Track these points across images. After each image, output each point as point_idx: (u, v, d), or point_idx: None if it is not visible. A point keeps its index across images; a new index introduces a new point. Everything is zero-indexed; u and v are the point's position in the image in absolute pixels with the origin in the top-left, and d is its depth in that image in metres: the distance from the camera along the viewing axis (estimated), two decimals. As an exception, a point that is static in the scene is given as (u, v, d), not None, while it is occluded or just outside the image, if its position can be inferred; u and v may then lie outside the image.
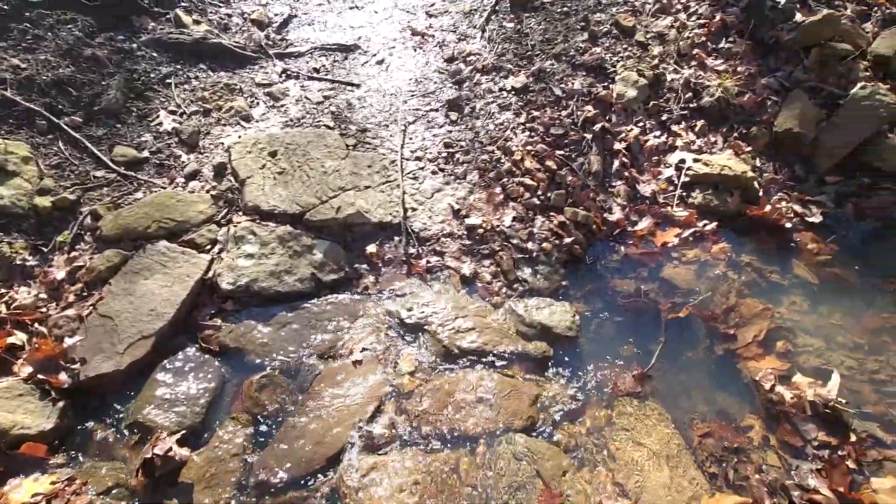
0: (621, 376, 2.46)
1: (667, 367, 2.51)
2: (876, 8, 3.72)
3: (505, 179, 3.25)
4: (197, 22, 4.05)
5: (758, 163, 3.23)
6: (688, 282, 2.86)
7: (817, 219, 2.98)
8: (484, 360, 2.53)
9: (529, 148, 3.36)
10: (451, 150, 3.44)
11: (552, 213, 3.13)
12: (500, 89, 3.75)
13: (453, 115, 3.64)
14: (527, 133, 3.45)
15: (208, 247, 2.83)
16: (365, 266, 2.94)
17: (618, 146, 3.36)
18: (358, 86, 3.91)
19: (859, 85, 3.16)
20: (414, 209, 3.16)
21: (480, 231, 3.02)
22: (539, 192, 3.18)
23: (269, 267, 2.77)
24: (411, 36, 4.32)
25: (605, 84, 3.58)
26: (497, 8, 4.31)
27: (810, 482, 1.97)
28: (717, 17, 3.60)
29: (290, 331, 2.62)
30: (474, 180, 3.29)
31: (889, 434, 2.13)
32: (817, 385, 2.22)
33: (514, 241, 2.99)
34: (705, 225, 3.04)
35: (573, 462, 2.16)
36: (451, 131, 3.55)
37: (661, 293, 2.82)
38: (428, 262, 2.95)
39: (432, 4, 4.60)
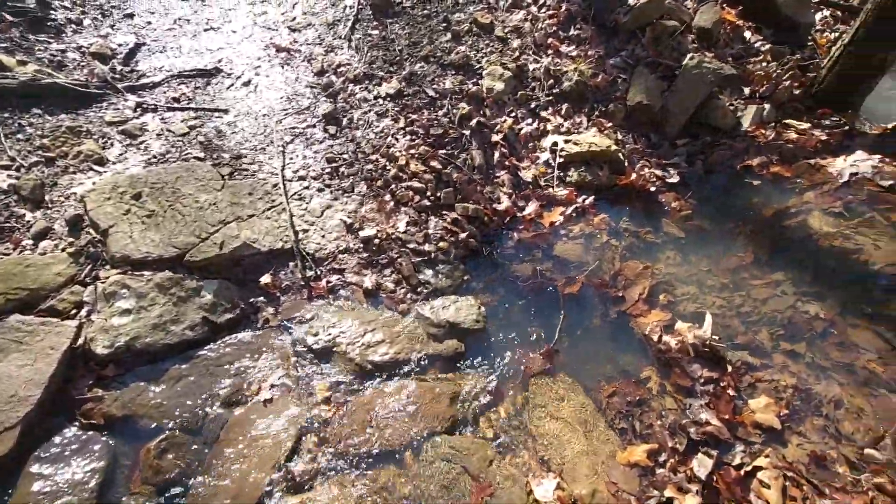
0: (531, 357, 2.57)
1: (570, 338, 2.66)
2: (693, -13, 4.21)
3: (393, 186, 3.25)
4: (23, 63, 3.59)
5: (619, 136, 3.54)
6: (578, 255, 3.05)
7: (675, 179, 3.33)
8: (399, 370, 2.51)
9: (413, 151, 3.39)
10: (334, 164, 3.37)
11: (444, 212, 3.19)
12: (376, 97, 3.74)
13: (332, 129, 3.57)
14: (408, 137, 3.48)
15: (74, 311, 2.52)
16: (262, 298, 2.80)
17: (495, 138, 3.50)
18: (226, 111, 3.70)
19: (689, 56, 3.57)
20: (305, 230, 3.05)
21: (377, 241, 3.00)
22: (428, 194, 3.22)
23: (152, 320, 2.53)
24: (276, 53, 4.16)
25: (475, 80, 3.72)
26: (360, 16, 4.29)
27: (702, 416, 2.20)
28: (563, 7, 3.88)
29: (187, 384, 2.41)
30: (363, 191, 3.25)
31: (757, 358, 2.43)
32: (695, 328, 2.48)
33: (412, 246, 3.01)
34: (584, 200, 3.28)
35: (498, 450, 2.22)
36: (332, 145, 3.48)
37: (556, 270, 2.98)
38: (328, 282, 2.87)
39: (293, 19, 4.47)
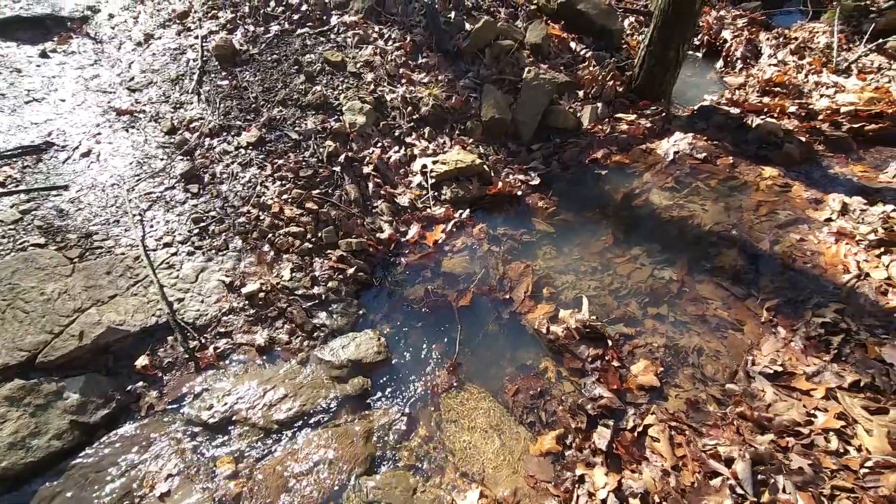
0: (437, 375, 2.63)
1: (471, 348, 2.76)
2: (521, 8, 4.68)
3: (270, 235, 3.16)
4: None
5: (481, 150, 3.79)
6: (465, 267, 3.19)
7: (536, 181, 3.63)
8: (307, 421, 2.43)
9: (285, 196, 3.33)
10: (202, 223, 3.19)
11: (328, 251, 3.16)
12: (237, 148, 3.62)
13: (194, 188, 3.38)
14: (278, 183, 3.41)
15: None
16: (141, 383, 2.55)
17: (367, 170, 3.56)
18: (65, 187, 3.34)
19: (527, 70, 3.94)
20: (181, 299, 2.85)
21: (262, 295, 2.89)
22: (309, 236, 3.18)
23: (6, 440, 2.19)
24: (118, 116, 3.86)
25: (336, 117, 3.76)
26: (206, 69, 4.14)
27: (596, 391, 2.40)
28: (408, 39, 4.09)
29: (63, 501, 2.12)
30: (239, 246, 3.12)
31: (632, 327, 2.71)
32: (576, 313, 2.71)
33: (300, 292, 2.94)
34: (461, 214, 3.44)
35: (420, 477, 2.23)
36: (196, 205, 3.30)
37: (447, 285, 3.09)
38: (216, 348, 2.70)
39: (132, 79, 4.19)
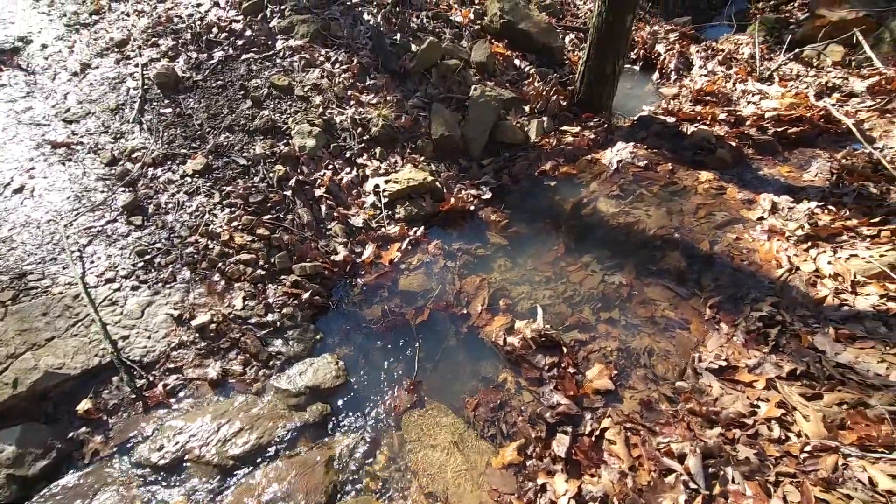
0: (397, 395, 2.61)
1: (431, 365, 2.76)
2: (465, 28, 4.80)
3: (221, 264, 3.08)
4: None
5: (433, 167, 3.84)
6: (421, 284, 3.20)
7: (488, 195, 3.70)
8: (265, 454, 2.35)
9: (235, 224, 3.26)
10: (147, 256, 3.08)
11: (282, 277, 3.11)
12: (182, 176, 3.53)
13: (137, 220, 3.27)
14: (227, 210, 3.34)
15: None
16: (85, 429, 2.41)
17: (319, 192, 3.54)
18: (-4, 226, 3.17)
19: (473, 88, 4.04)
20: (125, 337, 2.73)
21: (213, 326, 2.80)
22: (261, 263, 3.12)
23: (-70, 503, 2.03)
24: (53, 150, 3.70)
25: (285, 141, 3.73)
26: (147, 97, 4.03)
27: (554, 399, 2.44)
28: (355, 62, 4.13)
29: (-3, 565, 1.97)
30: (187, 278, 3.02)
31: (586, 333, 2.78)
32: (531, 323, 2.76)
33: (254, 321, 2.87)
34: (416, 231, 3.46)
35: (384, 501, 2.19)
36: (140, 237, 3.19)
37: (405, 304, 3.09)
38: (165, 385, 2.59)
39: (68, 110, 4.03)
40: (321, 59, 4.22)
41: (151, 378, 2.61)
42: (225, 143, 3.69)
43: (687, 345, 2.63)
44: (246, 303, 2.94)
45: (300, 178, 3.54)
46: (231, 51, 4.27)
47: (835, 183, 3.27)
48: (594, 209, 3.58)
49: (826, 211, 3.08)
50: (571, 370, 2.57)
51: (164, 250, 3.13)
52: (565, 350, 2.64)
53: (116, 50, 4.35)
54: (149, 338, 2.75)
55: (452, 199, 3.60)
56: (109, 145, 3.73)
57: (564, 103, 4.35)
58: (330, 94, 3.99)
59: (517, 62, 4.74)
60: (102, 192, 3.44)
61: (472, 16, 4.97)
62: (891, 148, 3.54)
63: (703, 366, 2.45)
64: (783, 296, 2.70)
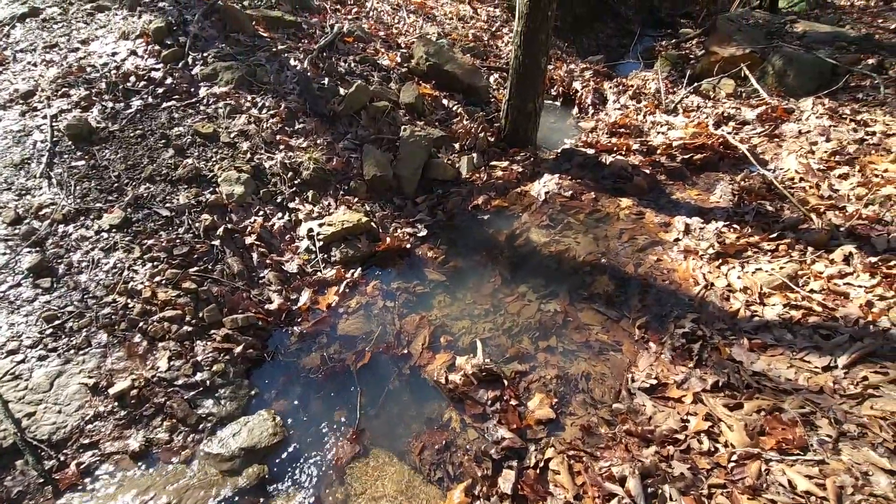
0: (340, 446, 2.51)
1: (374, 411, 2.69)
2: (392, 71, 4.93)
3: (142, 323, 2.89)
4: None
5: (367, 207, 3.84)
6: (361, 328, 3.15)
7: (424, 232, 3.74)
8: (195, 529, 2.18)
9: (158, 278, 3.09)
10: (57, 322, 2.84)
11: (212, 332, 2.96)
12: (98, 232, 3.32)
13: (45, 282, 3.01)
14: (149, 265, 3.16)
15: None
16: (-19, 526, 2.13)
17: (249, 240, 3.44)
18: None
19: (403, 128, 4.13)
20: (31, 413, 2.47)
21: (134, 393, 2.60)
22: (188, 318, 2.96)
23: None
24: (-55, 211, 3.38)
25: (212, 189, 3.62)
26: (57, 150, 3.80)
27: (498, 434, 2.44)
28: (283, 107, 4.12)
29: None
30: (104, 341, 2.80)
31: (526, 363, 2.83)
32: (472, 358, 2.78)
33: (181, 382, 2.69)
34: (353, 274, 3.43)
35: (327, 562, 2.08)
36: (49, 301, 2.94)
37: (345, 349, 3.02)
38: (79, 464, 2.35)
39: (-37, 166, 3.72)
40: (247, 104, 4.17)
41: (62, 457, 2.36)
42: (145, 195, 3.52)
43: (620, 366, 2.74)
44: (172, 363, 2.75)
45: (229, 226, 3.43)
46: (151, 99, 4.13)
47: (737, 203, 3.59)
48: (527, 239, 3.71)
49: (732, 229, 3.36)
50: (514, 402, 2.59)
51: (76, 313, 2.89)
52: (507, 383, 2.67)
53: (22, 102, 4.09)
54: (59, 412, 2.50)
55: (388, 239, 3.60)
56: (13, 203, 3.46)
57: (492, 139, 4.54)
58: (258, 140, 3.94)
59: (445, 102, 4.92)
60: (5, 254, 3.16)
61: (399, 59, 5.13)
62: (781, 169, 3.95)
63: (636, 386, 2.55)
64: (702, 311, 2.89)
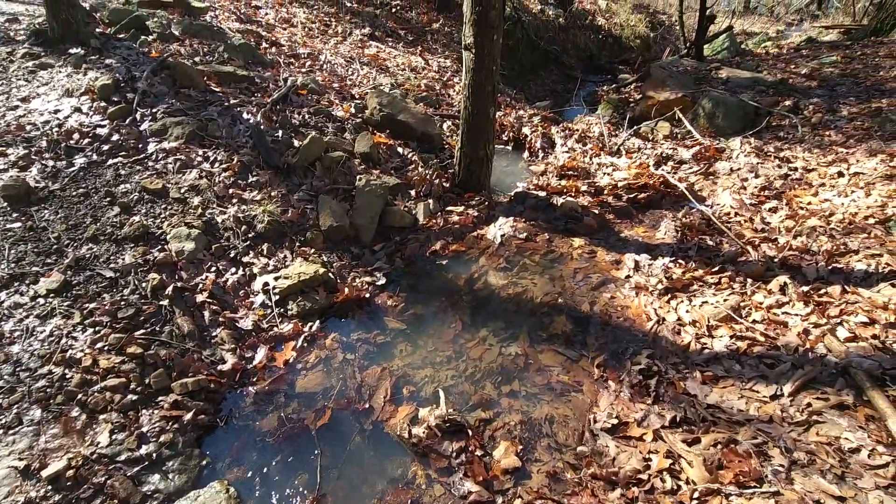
0: (299, 515, 2.38)
1: (335, 472, 2.58)
2: (347, 121, 5.01)
3: (81, 395, 2.69)
4: None
5: (325, 258, 3.81)
6: (320, 383, 3.05)
7: (383, 280, 3.73)
8: None
9: (100, 345, 2.92)
10: (-16, 399, 2.61)
11: (159, 399, 2.79)
12: (34, 298, 3.12)
13: (-29, 356, 2.79)
14: (90, 331, 2.98)
15: None
16: None
17: (201, 298, 3.32)
18: None
19: (358, 178, 4.17)
20: (-50, 507, 2.23)
21: (71, 473, 2.39)
22: (133, 386, 2.79)
23: None
24: None
25: (160, 247, 3.50)
26: (-10, 211, 3.61)
27: (464, 487, 2.38)
28: (236, 160, 4.09)
29: None
30: (37, 418, 2.59)
31: (490, 411, 2.81)
32: (435, 409, 2.73)
33: (124, 457, 2.50)
34: (311, 327, 3.35)
35: None
36: (-25, 377, 2.71)
37: (303, 407, 2.91)
38: (4, 561, 2.12)
39: None
40: (199, 159, 4.12)
41: (-16, 555, 2.13)
42: (88, 256, 3.37)
43: (582, 407, 2.76)
44: (114, 437, 2.57)
45: (178, 284, 3.31)
46: (95, 156, 4.02)
47: (680, 239, 3.79)
48: (485, 283, 3.75)
49: (677, 264, 3.53)
50: (479, 453, 2.54)
51: (6, 389, 2.68)
52: (471, 432, 2.63)
53: (-49, 163, 3.89)
54: (-18, 503, 2.27)
55: (347, 289, 3.57)
56: (-63, 271, 3.23)
57: (447, 185, 4.64)
58: (209, 194, 3.88)
59: (400, 150, 5.03)
60: (-75, 327, 2.91)
61: (353, 110, 5.24)
62: (718, 205, 4.22)
63: (599, 426, 2.57)
64: (656, 346, 2.98)
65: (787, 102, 6.11)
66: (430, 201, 4.40)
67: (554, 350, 3.13)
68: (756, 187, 4.34)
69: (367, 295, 3.63)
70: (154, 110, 4.37)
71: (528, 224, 4.19)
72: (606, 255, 3.81)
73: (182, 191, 3.87)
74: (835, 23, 12.06)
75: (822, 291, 2.96)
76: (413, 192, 4.50)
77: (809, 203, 3.94)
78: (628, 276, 3.55)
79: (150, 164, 4.02)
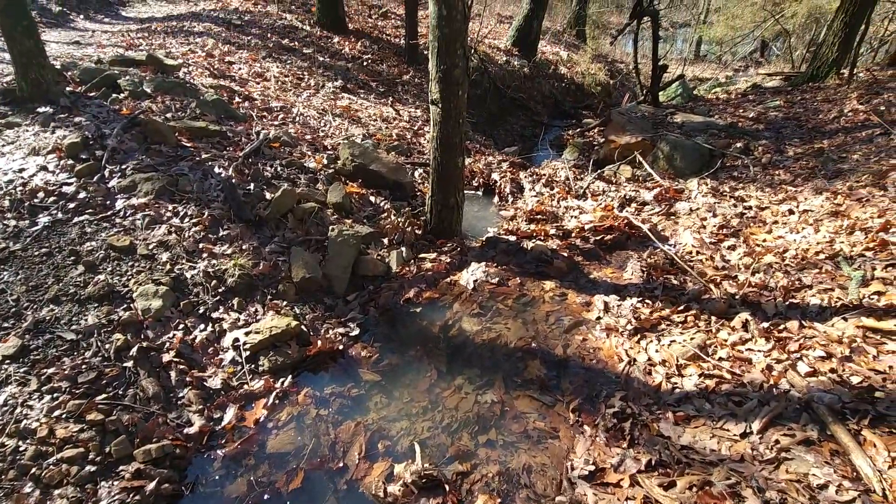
0: (269, 589, 2.25)
1: (308, 539, 2.48)
2: (319, 172, 5.08)
3: (35, 469, 2.54)
4: None
5: (297, 310, 3.77)
6: (293, 442, 2.96)
7: (356, 331, 3.71)
8: None
9: (58, 412, 2.78)
10: (-73, 479, 2.44)
11: (121, 469, 2.65)
12: (-12, 365, 2.98)
13: (-85, 432, 2.62)
14: (48, 398, 2.85)
15: None
16: None
17: (167, 357, 3.23)
18: None
19: (331, 228, 4.21)
20: None
21: (20, 557, 2.23)
22: (92, 456, 2.65)
23: None
24: None
25: (126, 306, 3.42)
26: (-55, 274, 3.48)
27: (442, 547, 2.31)
28: (206, 214, 4.09)
29: None
30: (-15, 497, 2.43)
31: (467, 462, 2.76)
32: (410, 464, 2.67)
33: (79, 535, 2.35)
34: (283, 383, 3.27)
35: None
36: (-82, 455, 2.54)
37: (275, 469, 2.80)
38: None
39: None
40: (168, 214, 4.10)
41: None
42: (48, 318, 3.26)
43: (559, 454, 2.74)
44: (69, 514, 2.42)
45: (144, 344, 3.22)
46: (61, 215, 3.96)
47: (646, 279, 3.91)
48: (460, 329, 3.76)
49: (645, 304, 3.62)
50: (457, 509, 2.48)
51: (-48, 466, 2.51)
52: (448, 487, 2.57)
53: None
54: None
55: (320, 342, 3.52)
56: None
57: (419, 232, 4.71)
58: (179, 250, 3.84)
59: (373, 199, 5.11)
60: None
61: (325, 161, 5.33)
62: (680, 244, 4.39)
63: (576, 474, 2.55)
64: (629, 388, 3.02)
65: (739, 144, 6.50)
66: (403, 249, 4.45)
67: (529, 396, 3.13)
68: (715, 226, 4.55)
69: (341, 347, 3.59)
70: (123, 167, 4.36)
71: (500, 268, 4.26)
72: (577, 297, 3.89)
73: (150, 247, 3.82)
74: (777, 70, 13.04)
75: (782, 327, 3.08)
76: (386, 241, 4.55)
77: (765, 240, 4.14)
78: (599, 318, 3.62)
79: (118, 220, 3.98)
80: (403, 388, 3.33)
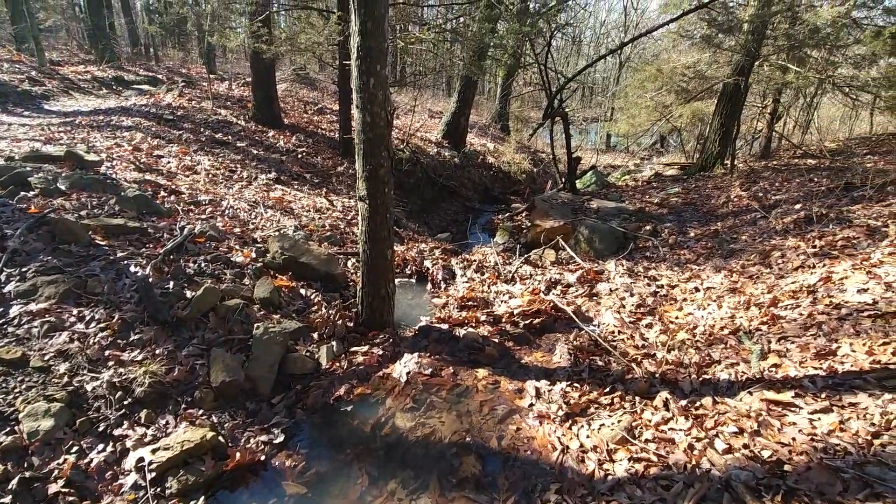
0: None
1: None
2: (247, 267, 4.97)
3: None
4: None
5: (215, 419, 3.49)
6: (201, 579, 2.60)
7: (281, 437, 3.46)
8: None
9: None
10: None
11: None
12: None
13: None
14: None
15: None
16: None
17: (54, 488, 2.81)
18: None
19: (256, 326, 4.05)
20: None
21: None
22: None
23: None
24: None
25: (9, 429, 3.01)
26: None
27: None
28: (116, 318, 3.81)
29: None
30: None
31: (399, 581, 2.54)
32: (336, 592, 2.42)
33: None
34: (194, 506, 2.93)
35: None
36: None
37: None
38: None
39: None
40: (72, 319, 3.78)
41: None
42: None
43: (498, 561, 2.60)
44: None
45: (27, 475, 2.80)
46: (-60, 326, 3.54)
47: (573, 362, 4.03)
48: (393, 426, 3.61)
49: (574, 388, 3.70)
50: None
51: None
52: None
53: None
54: None
55: (239, 454, 3.23)
56: None
57: (351, 325, 4.63)
58: (80, 359, 3.50)
59: (303, 291, 5.02)
60: None
61: (254, 254, 5.24)
62: (603, 324, 4.61)
63: (515, 584, 2.42)
64: (563, 479, 2.98)
65: (648, 227, 7.15)
66: (334, 343, 4.33)
67: (465, 497, 2.99)
68: (633, 305, 4.85)
69: (263, 457, 3.31)
70: (24, 269, 4.04)
71: (433, 358, 4.23)
72: (509, 384, 3.91)
73: (46, 358, 3.46)
74: (674, 160, 14.82)
75: (698, 404, 3.24)
76: (316, 335, 4.41)
77: (677, 317, 4.45)
78: (531, 405, 3.63)
79: (11, 329, 3.60)
80: (332, 499, 3.09)
